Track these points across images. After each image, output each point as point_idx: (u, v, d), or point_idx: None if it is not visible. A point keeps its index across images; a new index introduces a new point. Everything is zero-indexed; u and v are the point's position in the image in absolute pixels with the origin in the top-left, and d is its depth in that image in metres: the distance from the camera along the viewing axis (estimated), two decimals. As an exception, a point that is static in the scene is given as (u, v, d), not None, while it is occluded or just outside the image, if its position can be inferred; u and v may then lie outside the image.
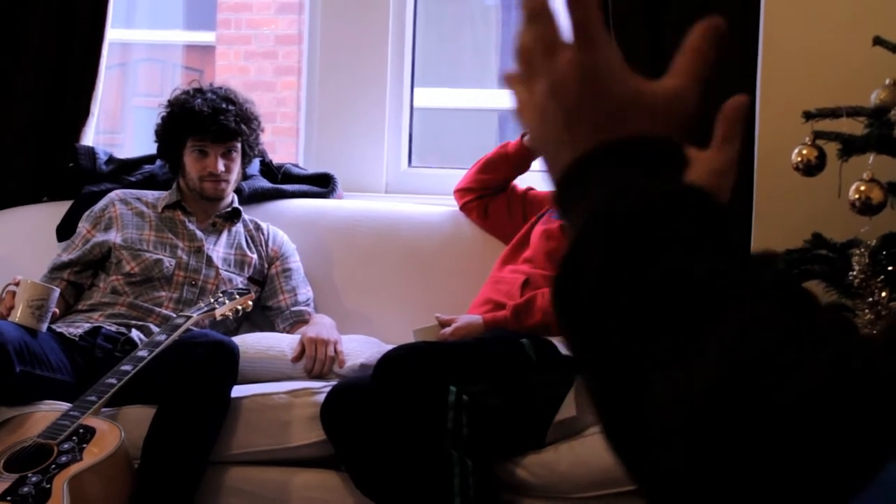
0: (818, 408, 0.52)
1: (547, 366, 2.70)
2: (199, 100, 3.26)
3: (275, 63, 6.57)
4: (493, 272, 3.15)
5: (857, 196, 2.59)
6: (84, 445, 2.56)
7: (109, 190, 3.45)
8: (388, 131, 3.84)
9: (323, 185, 3.69)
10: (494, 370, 2.68)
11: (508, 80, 0.74)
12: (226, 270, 3.25)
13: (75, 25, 3.71)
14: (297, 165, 3.79)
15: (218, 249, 3.27)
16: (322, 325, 3.14)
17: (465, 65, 6.75)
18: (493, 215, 3.39)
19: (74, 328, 3.03)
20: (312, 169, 3.78)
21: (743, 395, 0.54)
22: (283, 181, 3.67)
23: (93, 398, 2.65)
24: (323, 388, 2.83)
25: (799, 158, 2.71)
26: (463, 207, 3.48)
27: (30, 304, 2.89)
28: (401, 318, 3.25)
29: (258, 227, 3.38)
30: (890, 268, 2.58)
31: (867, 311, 2.57)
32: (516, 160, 3.30)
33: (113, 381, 2.68)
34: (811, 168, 2.71)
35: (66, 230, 3.48)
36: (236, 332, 3.18)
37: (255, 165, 3.59)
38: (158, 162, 3.59)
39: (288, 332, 3.22)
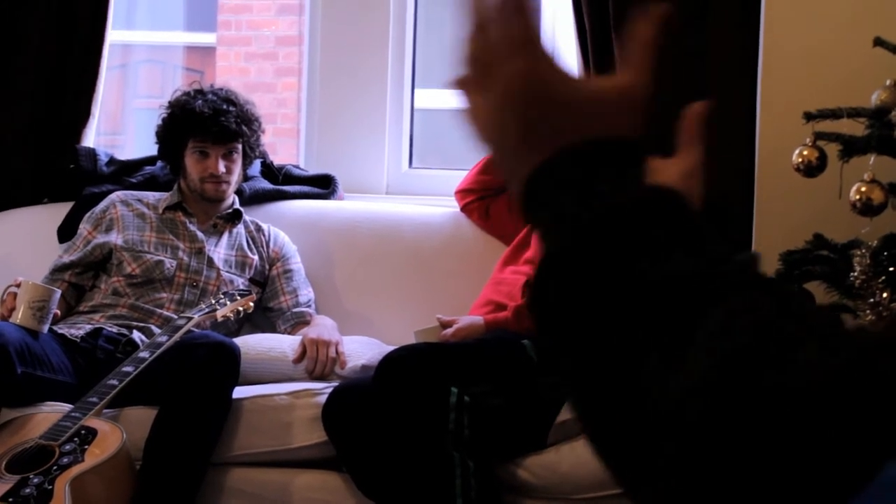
0: (818, 409, 0.53)
1: (548, 367, 2.69)
2: (199, 101, 3.26)
3: (275, 64, 6.58)
4: (495, 273, 3.15)
5: (857, 197, 2.59)
6: (86, 447, 2.56)
7: (110, 191, 3.45)
8: (388, 132, 3.84)
9: (324, 186, 3.69)
10: (496, 371, 2.68)
11: (459, 84, 0.74)
12: (227, 272, 3.25)
13: (75, 26, 3.71)
14: (297, 167, 3.79)
15: (219, 251, 3.28)
16: (323, 327, 3.14)
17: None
18: (494, 216, 3.39)
19: (76, 329, 3.04)
20: (313, 170, 3.79)
21: (738, 394, 0.54)
22: (283, 182, 3.68)
23: (94, 399, 2.65)
24: (324, 389, 2.83)
25: (800, 159, 2.71)
26: (464, 208, 3.48)
27: (31, 306, 2.89)
28: (402, 320, 3.25)
29: (259, 229, 3.38)
30: (891, 269, 2.58)
31: (868, 312, 2.57)
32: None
33: (114, 382, 2.69)
34: (812, 169, 2.71)
35: (67, 231, 3.48)
36: (237, 334, 3.18)
37: (255, 167, 3.59)
38: (159, 163, 3.59)
39: (289, 334, 3.22)
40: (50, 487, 2.45)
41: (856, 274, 2.59)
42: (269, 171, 3.68)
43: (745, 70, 3.23)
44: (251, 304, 3.15)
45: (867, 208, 2.59)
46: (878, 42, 2.75)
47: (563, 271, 0.62)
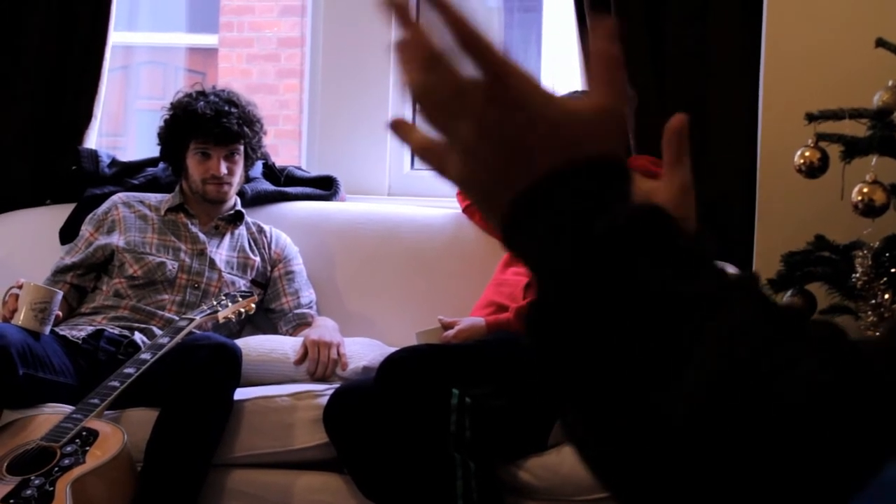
0: (818, 410, 0.53)
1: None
2: (201, 102, 3.27)
3: (277, 66, 6.58)
4: (496, 275, 3.15)
5: (859, 198, 2.59)
6: (87, 448, 2.56)
7: (112, 193, 3.46)
8: (390, 134, 3.83)
9: (326, 187, 3.69)
10: (497, 373, 2.68)
11: (400, 128, 0.71)
12: (228, 273, 3.25)
13: (76, 26, 3.71)
14: (299, 168, 3.80)
15: (221, 252, 3.28)
16: (325, 328, 3.14)
17: (467, 67, 6.74)
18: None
19: (77, 331, 3.04)
20: (315, 171, 3.79)
21: (741, 398, 0.54)
22: (285, 184, 3.68)
23: (96, 401, 2.65)
24: (326, 390, 2.83)
25: (801, 160, 2.71)
26: (465, 210, 3.48)
27: (33, 307, 2.89)
28: (403, 321, 3.25)
29: (261, 230, 3.38)
30: (893, 270, 2.57)
31: (870, 313, 2.57)
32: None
33: (116, 383, 2.69)
34: (814, 170, 2.71)
35: (69, 233, 3.49)
36: (239, 335, 3.18)
37: (257, 168, 3.60)
38: (161, 165, 3.60)
39: (291, 335, 3.22)
40: (51, 489, 2.45)
41: (857, 275, 2.59)
42: (271, 172, 3.69)
43: (746, 71, 3.23)
44: (253, 305, 3.15)
45: (869, 209, 2.59)
46: (880, 43, 2.75)
47: (566, 291, 0.61)
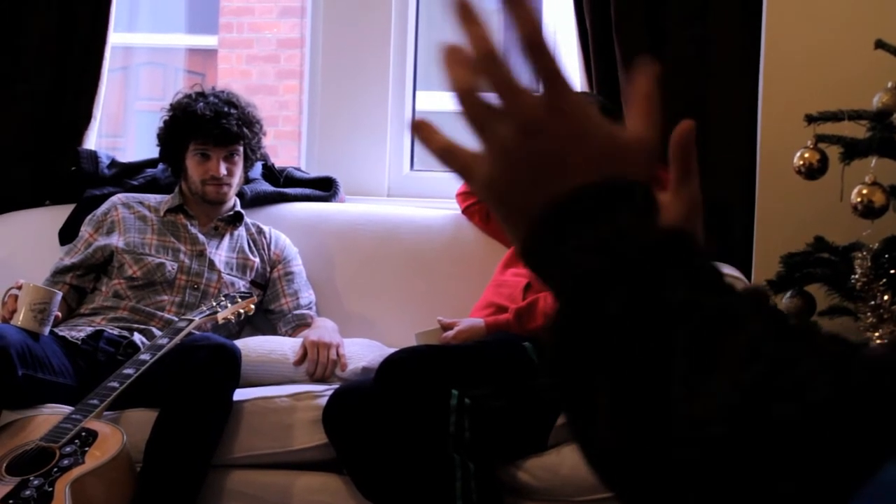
0: (818, 410, 0.53)
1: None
2: (201, 103, 3.27)
3: (277, 67, 6.58)
4: (495, 275, 3.15)
5: (859, 199, 2.59)
6: (86, 449, 2.56)
7: (112, 194, 3.46)
8: (390, 135, 3.84)
9: (325, 188, 3.69)
10: (497, 373, 2.68)
11: (422, 129, 0.72)
12: (228, 274, 3.25)
13: (76, 27, 3.71)
14: (299, 169, 3.80)
15: (220, 253, 3.28)
16: (324, 329, 3.14)
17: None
18: (495, 219, 3.39)
19: (77, 332, 3.04)
20: (314, 172, 3.79)
21: (760, 415, 0.54)
22: (285, 185, 3.68)
23: (95, 401, 2.65)
24: (325, 391, 2.83)
25: (801, 161, 2.71)
26: (465, 211, 3.48)
27: (32, 308, 2.89)
28: (403, 322, 3.25)
29: (260, 231, 3.38)
30: (892, 271, 2.58)
31: (869, 314, 2.57)
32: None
33: (115, 384, 2.69)
34: (813, 171, 2.71)
35: (68, 234, 3.49)
36: (238, 336, 3.18)
37: (257, 169, 3.60)
38: (161, 166, 3.60)
39: (290, 336, 3.22)
40: (50, 489, 2.45)
41: (857, 276, 2.59)
42: (271, 173, 3.69)
43: (746, 71, 3.23)
44: (252, 306, 3.15)
45: (868, 211, 2.59)
46: (880, 44, 2.75)
47: (598, 296, 0.62)
